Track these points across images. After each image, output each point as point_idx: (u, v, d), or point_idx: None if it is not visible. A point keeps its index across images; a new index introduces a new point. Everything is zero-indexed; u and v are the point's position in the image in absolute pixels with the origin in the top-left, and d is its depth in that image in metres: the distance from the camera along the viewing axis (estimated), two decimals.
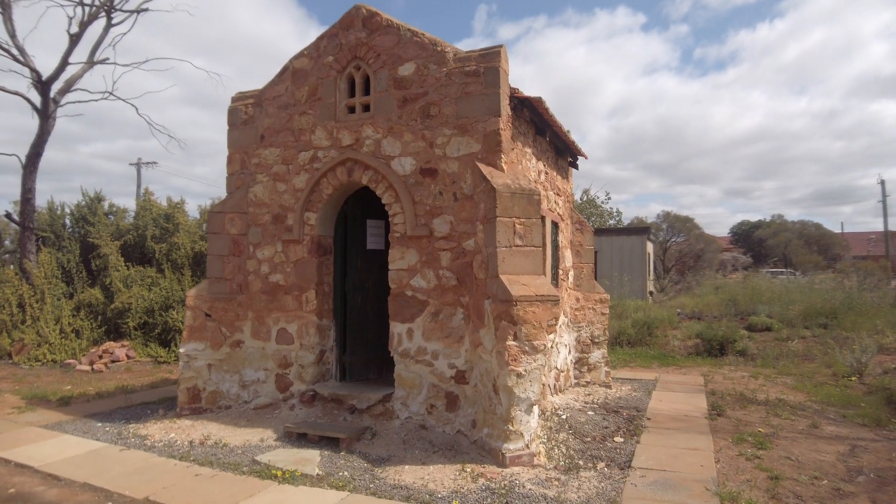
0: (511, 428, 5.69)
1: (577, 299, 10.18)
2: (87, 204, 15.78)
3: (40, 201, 14.98)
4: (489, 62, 6.70)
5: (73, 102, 14.40)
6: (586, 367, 10.15)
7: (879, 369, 11.04)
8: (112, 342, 13.02)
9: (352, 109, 7.61)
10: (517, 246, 6.18)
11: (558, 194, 9.34)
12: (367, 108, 7.48)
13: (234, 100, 8.46)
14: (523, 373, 5.75)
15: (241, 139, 8.29)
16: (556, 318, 6.04)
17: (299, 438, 6.67)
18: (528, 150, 7.61)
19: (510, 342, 5.75)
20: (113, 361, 12.27)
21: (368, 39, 7.41)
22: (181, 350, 7.89)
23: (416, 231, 6.91)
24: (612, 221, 35.20)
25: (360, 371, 8.00)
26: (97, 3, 13.54)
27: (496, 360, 5.86)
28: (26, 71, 13.28)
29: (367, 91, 7.51)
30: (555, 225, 9.18)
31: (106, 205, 16.20)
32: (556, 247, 9.24)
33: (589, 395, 9.57)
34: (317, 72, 7.80)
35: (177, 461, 6.02)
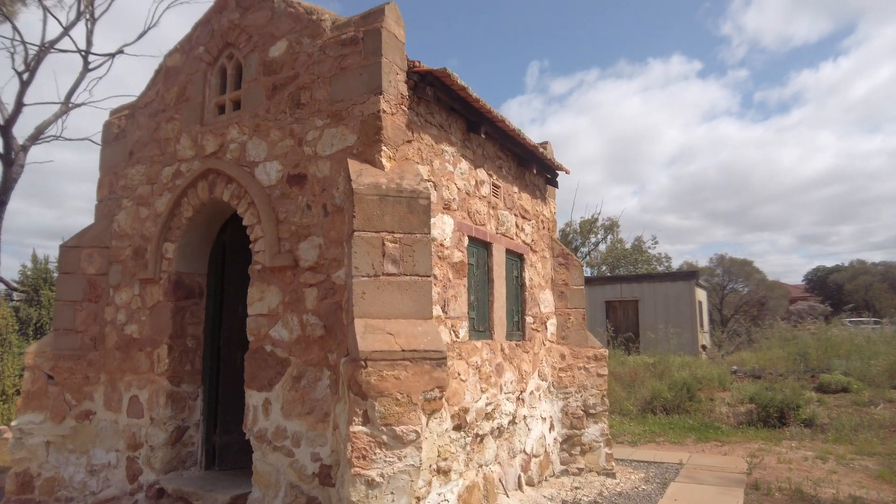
0: None
1: (563, 356, 7.77)
2: None
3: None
4: (370, 24, 4.83)
5: (50, 141, 13.51)
6: (579, 449, 7.60)
7: None
8: None
9: (222, 109, 5.89)
10: (388, 275, 4.07)
11: (524, 216, 7.17)
12: (238, 105, 5.73)
13: (111, 113, 6.96)
14: (377, 479, 3.51)
15: (111, 158, 6.72)
16: (442, 388, 3.81)
17: None
18: (450, 150, 5.58)
19: (356, 427, 3.56)
20: None
21: (241, 20, 5.75)
22: (13, 423, 6.09)
23: (276, 261, 4.94)
24: (661, 268, 32.02)
25: (235, 457, 5.90)
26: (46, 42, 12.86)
27: (342, 456, 3.67)
28: None
29: (239, 85, 5.79)
30: (518, 256, 6.97)
31: None
32: (520, 285, 6.99)
33: (577, 488, 7.01)
34: (188, 68, 6.19)
35: None
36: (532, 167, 7.26)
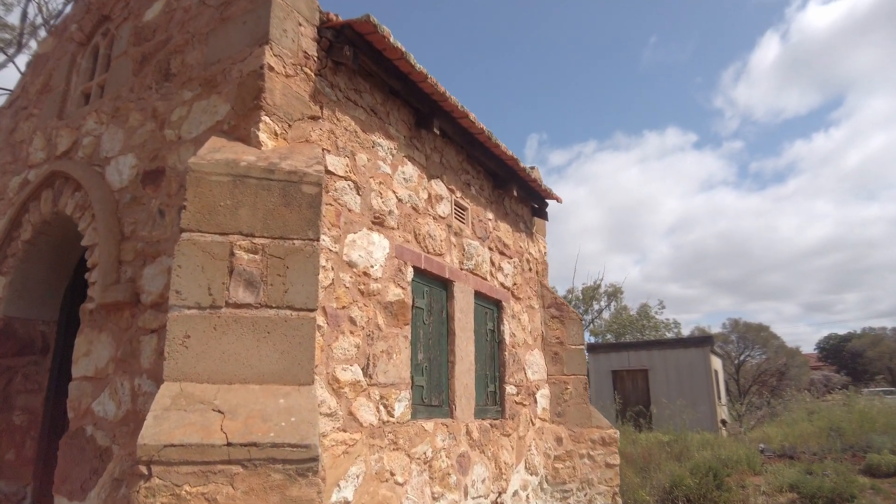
0: None
1: (559, 439, 5.88)
2: None
3: None
4: None
5: None
6: None
7: None
8: None
9: (89, 99, 4.40)
10: (237, 306, 2.37)
11: (502, 252, 5.51)
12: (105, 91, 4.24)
13: None
14: None
15: None
16: None
17: None
18: (386, 144, 4.00)
19: None
20: None
21: None
22: None
23: (109, 295, 3.25)
24: (669, 335, 29.94)
25: None
26: None
27: None
28: None
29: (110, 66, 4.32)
30: (494, 303, 5.25)
31: None
32: (496, 342, 5.23)
33: None
34: (58, 52, 4.76)
35: None
36: (511, 189, 5.66)
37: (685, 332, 32.11)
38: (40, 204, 4.13)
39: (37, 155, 4.38)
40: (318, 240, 2.58)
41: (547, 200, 6.41)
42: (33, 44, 12.19)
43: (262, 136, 2.96)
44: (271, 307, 2.42)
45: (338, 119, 3.57)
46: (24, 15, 11.47)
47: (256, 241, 2.48)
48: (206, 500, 1.87)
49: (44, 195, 4.12)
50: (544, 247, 6.63)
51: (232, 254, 2.43)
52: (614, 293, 29.07)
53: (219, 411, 2.08)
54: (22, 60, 12.26)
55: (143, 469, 1.84)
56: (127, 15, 4.20)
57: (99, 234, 3.44)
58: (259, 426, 2.05)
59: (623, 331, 30.11)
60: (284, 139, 3.11)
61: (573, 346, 6.21)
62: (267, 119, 3.02)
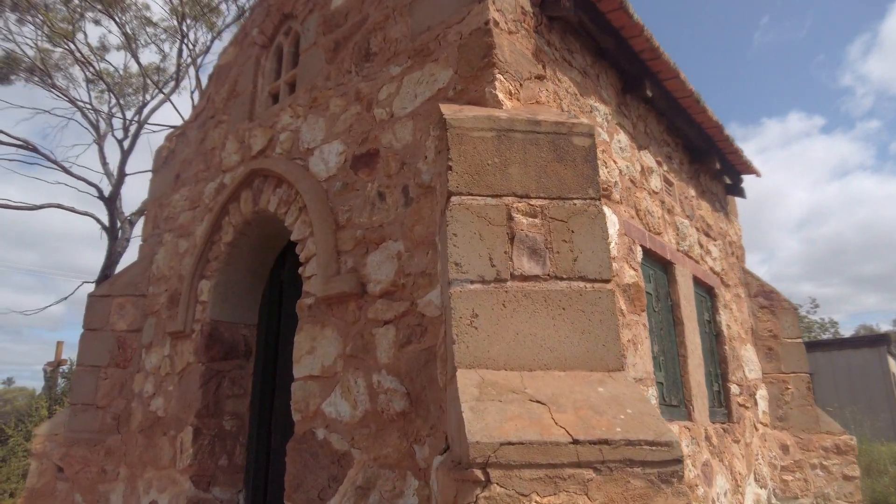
0: None
1: (785, 447, 5.02)
2: None
3: None
4: None
5: None
6: None
7: None
8: None
9: (277, 98, 4.35)
10: (523, 278, 1.98)
11: (707, 233, 4.82)
12: (294, 87, 4.17)
13: (166, 138, 5.74)
14: None
15: (158, 188, 5.40)
16: None
17: None
18: (602, 109, 3.52)
19: None
20: None
21: None
22: None
23: (332, 286, 3.03)
24: (825, 336, 26.71)
25: None
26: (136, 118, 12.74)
27: None
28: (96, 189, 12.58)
29: (297, 62, 4.24)
30: (707, 290, 4.58)
31: None
32: (715, 335, 4.54)
33: None
34: (240, 60, 4.81)
35: None
36: (711, 163, 4.96)
37: (843, 333, 28.49)
38: (240, 205, 4.10)
39: (230, 158, 4.40)
40: (599, 199, 2.14)
41: (741, 176, 5.61)
42: (185, 83, 13.19)
43: (500, 96, 2.60)
44: (562, 278, 2.00)
45: (559, 80, 3.16)
46: (179, 54, 12.44)
47: (533, 202, 2.08)
48: None
49: (243, 195, 4.09)
50: (740, 228, 5.81)
51: (510, 218, 2.05)
52: None
53: (538, 402, 1.68)
54: (177, 98, 13.32)
55: (479, 474, 1.46)
56: (311, 7, 4.10)
57: (314, 226, 3.26)
58: (595, 420, 1.62)
59: None
60: (517, 100, 2.73)
61: (789, 340, 5.33)
62: (500, 77, 2.65)
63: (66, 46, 11.94)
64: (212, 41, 12.90)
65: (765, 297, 5.45)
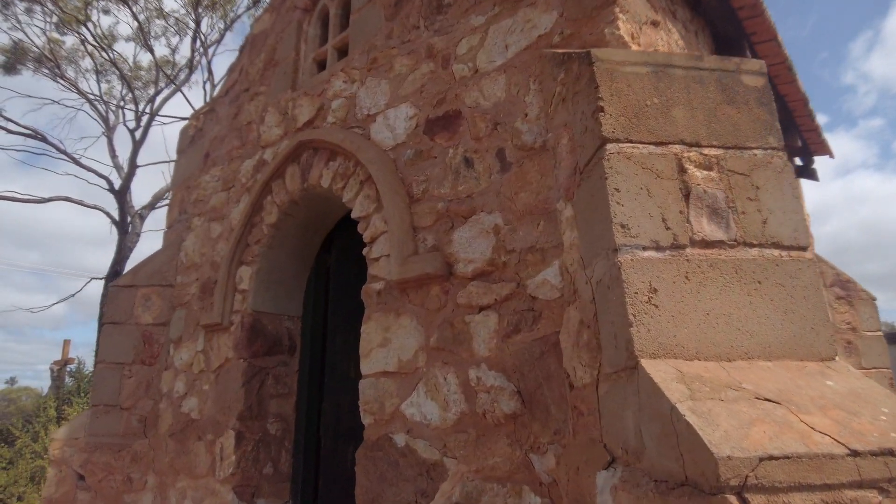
0: None
1: None
2: None
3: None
4: None
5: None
6: None
7: None
8: None
9: (323, 65, 3.94)
10: (705, 244, 1.56)
11: None
12: (345, 52, 3.75)
13: (191, 116, 5.33)
14: None
15: (184, 169, 4.98)
16: None
17: None
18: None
19: None
20: None
21: None
22: None
23: (410, 268, 2.61)
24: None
25: None
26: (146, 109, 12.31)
27: None
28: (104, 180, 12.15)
29: (346, 25, 3.82)
30: None
31: None
32: None
33: None
34: (278, 26, 4.39)
35: None
36: (791, 140, 4.55)
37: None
38: (285, 182, 3.68)
39: (271, 132, 3.98)
40: (783, 149, 1.72)
41: (814, 156, 5.19)
42: (195, 77, 12.78)
43: (626, 37, 2.18)
44: (752, 245, 1.59)
45: (669, 30, 2.74)
46: (194, 40, 12.01)
47: (705, 151, 1.67)
48: None
49: (289, 171, 3.66)
50: (808, 215, 5.39)
51: (682, 170, 1.63)
52: None
53: (768, 400, 1.27)
54: (189, 91, 12.92)
55: (733, 499, 1.05)
56: None
57: (383, 199, 2.83)
58: (855, 423, 1.20)
59: None
60: (637, 44, 2.32)
61: (869, 333, 4.92)
62: (622, 16, 2.24)
63: (77, 33, 11.52)
64: (225, 30, 12.48)
65: (840, 287, 5.04)
